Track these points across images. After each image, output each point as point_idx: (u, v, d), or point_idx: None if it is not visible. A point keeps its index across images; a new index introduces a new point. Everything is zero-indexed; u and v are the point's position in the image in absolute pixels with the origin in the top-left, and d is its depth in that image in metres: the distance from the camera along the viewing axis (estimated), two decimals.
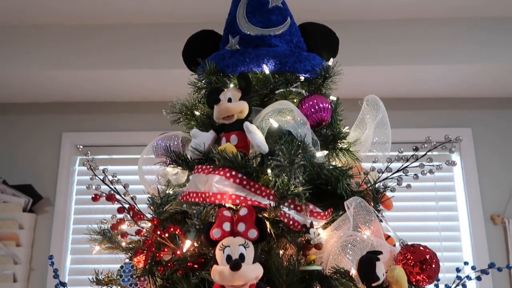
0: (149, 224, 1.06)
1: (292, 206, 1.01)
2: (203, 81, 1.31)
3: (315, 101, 1.15)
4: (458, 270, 1.13)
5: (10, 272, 2.37)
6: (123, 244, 1.14)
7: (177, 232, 1.00)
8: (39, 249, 2.51)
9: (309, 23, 1.38)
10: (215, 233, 0.91)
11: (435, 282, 1.06)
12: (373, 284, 0.94)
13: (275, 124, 1.08)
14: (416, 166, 1.11)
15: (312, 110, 1.14)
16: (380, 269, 0.94)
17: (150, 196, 1.15)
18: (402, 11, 2.31)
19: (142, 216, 1.04)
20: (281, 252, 1.03)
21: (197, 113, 1.29)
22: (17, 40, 2.37)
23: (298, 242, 1.01)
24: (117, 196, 1.08)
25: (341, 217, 1.04)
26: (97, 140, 2.67)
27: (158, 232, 1.00)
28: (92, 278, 1.16)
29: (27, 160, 2.65)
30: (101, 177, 1.14)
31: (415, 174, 1.11)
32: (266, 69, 1.23)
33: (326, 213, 1.06)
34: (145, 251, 1.01)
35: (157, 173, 1.29)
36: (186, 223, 1.07)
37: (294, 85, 1.25)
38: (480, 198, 2.54)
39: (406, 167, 1.12)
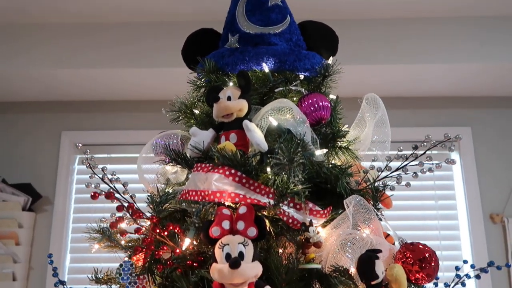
0: (148, 223, 1.05)
1: (291, 204, 1.01)
2: (202, 80, 1.31)
3: (315, 99, 1.15)
4: (457, 268, 1.13)
5: (10, 271, 2.37)
6: (122, 242, 1.14)
7: (176, 231, 1.00)
8: (38, 248, 2.51)
9: (308, 22, 1.38)
10: (214, 231, 0.91)
11: (434, 281, 1.06)
12: (373, 283, 0.94)
13: (274, 123, 1.08)
14: (416, 165, 1.11)
15: (312, 108, 1.14)
16: (380, 268, 0.94)
17: (149, 194, 1.15)
18: (402, 10, 2.31)
19: (141, 214, 1.04)
20: (280, 250, 1.03)
21: (196, 111, 1.29)
22: (17, 39, 2.36)
23: (297, 240, 1.01)
24: (116, 195, 1.08)
25: (341, 215, 1.04)
26: (97, 138, 2.67)
27: (157, 231, 1.00)
28: (91, 277, 1.16)
29: (26, 158, 2.65)
30: (100, 175, 1.14)
31: (414, 173, 1.11)
32: (266, 68, 1.23)
33: (326, 211, 1.06)
34: (144, 249, 1.01)
35: (157, 172, 1.29)
36: (186, 221, 1.07)
37: (294, 84, 1.25)
38: (480, 197, 2.54)
39: (406, 165, 1.12)
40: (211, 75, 1.26)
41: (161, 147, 1.23)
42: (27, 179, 2.57)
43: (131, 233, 1.06)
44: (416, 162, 1.11)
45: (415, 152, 1.10)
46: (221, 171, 1.00)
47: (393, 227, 1.15)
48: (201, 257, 1.00)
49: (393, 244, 1.11)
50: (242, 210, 0.92)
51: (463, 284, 1.11)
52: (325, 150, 1.11)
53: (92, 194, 1.06)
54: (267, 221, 1.00)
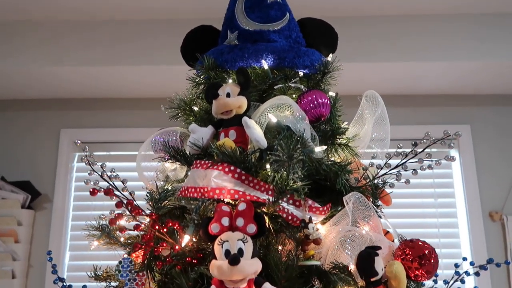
0: (148, 219, 1.05)
1: (291, 201, 1.01)
2: (201, 76, 1.31)
3: (314, 96, 1.15)
4: (456, 265, 1.13)
5: (9, 269, 2.37)
6: (122, 239, 1.14)
7: (175, 227, 1.00)
8: (37, 246, 2.51)
9: (308, 19, 1.38)
10: (213, 228, 0.91)
11: (434, 278, 1.06)
12: (372, 279, 0.94)
13: (274, 119, 1.07)
14: (415, 162, 1.11)
15: (311, 105, 1.14)
16: (379, 264, 0.94)
17: (148, 191, 1.15)
18: (402, 7, 2.30)
19: (140, 211, 1.04)
20: (280, 247, 1.03)
21: (195, 108, 1.29)
22: (16, 37, 2.36)
23: (297, 237, 1.01)
24: (115, 191, 1.08)
25: (340, 212, 1.04)
26: (96, 136, 2.66)
27: (157, 227, 0.99)
28: (91, 274, 1.16)
29: (25, 156, 2.65)
30: (99, 172, 1.14)
31: (414, 170, 1.11)
32: (265, 64, 1.23)
33: (325, 208, 1.06)
34: (143, 246, 1.01)
35: (156, 169, 1.29)
36: (185, 218, 1.07)
37: (293, 81, 1.25)
38: (479, 195, 2.54)
39: (405, 162, 1.12)
40: (210, 72, 1.26)
41: (160, 144, 1.23)
42: (26, 177, 2.57)
43: (130, 230, 1.06)
44: (415, 159, 1.11)
45: (415, 149, 1.10)
46: (220, 167, 1.00)
47: (392, 225, 1.15)
48: (201, 253, 1.00)
49: (393, 241, 1.10)
50: (242, 206, 0.92)
51: (462, 281, 1.11)
52: (324, 147, 1.11)
53: (91, 190, 1.06)
54: (266, 218, 1.00)
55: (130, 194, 1.12)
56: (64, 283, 1.14)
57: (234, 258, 0.84)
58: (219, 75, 1.25)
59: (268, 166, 1.00)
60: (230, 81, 1.21)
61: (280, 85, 1.22)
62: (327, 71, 1.27)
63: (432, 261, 1.00)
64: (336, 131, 1.20)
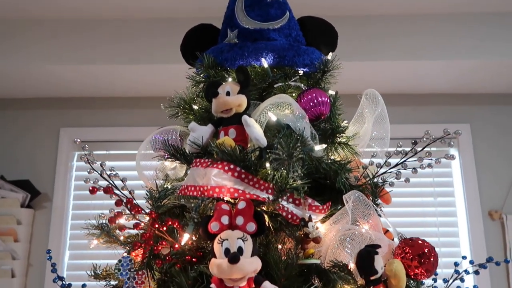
0: (147, 218, 1.05)
1: (290, 199, 1.01)
2: (201, 75, 1.30)
3: (314, 95, 1.14)
4: (456, 264, 1.13)
5: (8, 268, 2.37)
6: (121, 238, 1.14)
7: (175, 226, 1.00)
8: (37, 245, 2.51)
9: (308, 17, 1.38)
10: (213, 226, 0.91)
11: (433, 276, 1.06)
12: (372, 278, 0.94)
13: (273, 118, 1.07)
14: (415, 160, 1.10)
15: (311, 104, 1.14)
16: (379, 263, 0.94)
17: (148, 190, 1.15)
18: (401, 6, 2.30)
19: (140, 209, 1.04)
20: (279, 245, 1.03)
21: (195, 107, 1.28)
22: (16, 35, 2.35)
23: (296, 235, 1.01)
24: (115, 190, 1.08)
25: (340, 211, 1.04)
26: (95, 135, 2.66)
27: (156, 226, 0.99)
28: (90, 272, 1.16)
29: (25, 155, 2.64)
30: (99, 171, 1.14)
31: (413, 168, 1.11)
32: (265, 63, 1.23)
33: (325, 207, 1.06)
34: (143, 245, 1.01)
35: (155, 168, 1.29)
36: (184, 216, 1.07)
37: (293, 79, 1.24)
38: (478, 193, 2.54)
39: (405, 161, 1.12)
40: (210, 70, 1.25)
41: (160, 143, 1.22)
42: (26, 176, 2.56)
43: (130, 228, 1.06)
44: (415, 158, 1.11)
45: (415, 148, 1.10)
46: (220, 166, 1.00)
47: (392, 224, 1.15)
48: (200, 252, 1.00)
49: (392, 239, 1.10)
50: (241, 205, 0.92)
51: (462, 279, 1.11)
52: (324, 146, 1.11)
53: (91, 188, 1.05)
54: (266, 216, 1.00)
55: (130, 192, 1.12)
56: (64, 282, 1.13)
57: (233, 257, 0.84)
58: (218, 74, 1.25)
59: (268, 164, 0.99)
60: (230, 79, 1.21)
61: (280, 84, 1.22)
62: (327, 70, 1.27)
63: (432, 259, 1.00)
64: (336, 130, 1.20)
